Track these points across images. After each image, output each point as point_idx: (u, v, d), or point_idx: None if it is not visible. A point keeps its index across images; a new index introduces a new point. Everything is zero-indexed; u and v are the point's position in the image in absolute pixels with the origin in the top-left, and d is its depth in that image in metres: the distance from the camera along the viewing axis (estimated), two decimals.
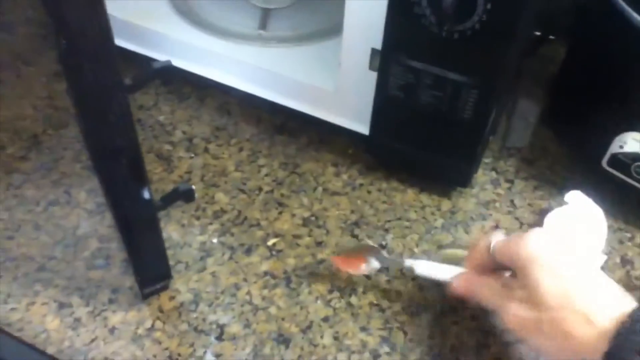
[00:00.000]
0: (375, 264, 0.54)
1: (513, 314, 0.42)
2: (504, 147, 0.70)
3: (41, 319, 0.52)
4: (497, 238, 0.46)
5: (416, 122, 0.59)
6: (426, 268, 0.52)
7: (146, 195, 0.42)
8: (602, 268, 0.57)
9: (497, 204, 0.63)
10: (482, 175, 0.66)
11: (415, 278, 0.56)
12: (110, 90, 0.36)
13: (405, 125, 0.60)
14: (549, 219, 0.60)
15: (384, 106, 0.60)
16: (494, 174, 0.67)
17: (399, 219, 0.61)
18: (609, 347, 0.36)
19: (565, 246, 0.43)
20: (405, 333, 0.52)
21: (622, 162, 0.59)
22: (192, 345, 0.51)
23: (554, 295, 0.40)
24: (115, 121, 0.37)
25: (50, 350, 0.50)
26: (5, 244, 0.57)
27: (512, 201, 0.64)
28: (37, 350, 0.49)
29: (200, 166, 0.65)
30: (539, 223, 0.61)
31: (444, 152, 0.60)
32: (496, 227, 0.61)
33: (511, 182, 0.66)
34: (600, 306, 0.39)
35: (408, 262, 0.53)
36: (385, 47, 0.56)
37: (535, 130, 0.73)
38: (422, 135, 0.60)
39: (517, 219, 0.62)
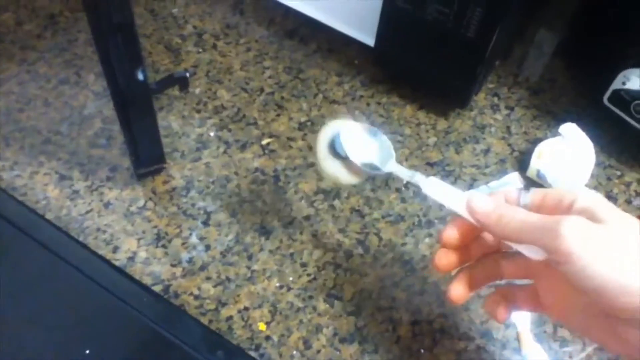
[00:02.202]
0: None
1: (576, 227, 0.32)
2: (513, 75, 0.69)
3: (43, 187, 0.55)
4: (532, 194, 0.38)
5: (421, 36, 0.59)
6: (437, 188, 0.42)
7: (140, 76, 0.44)
8: None
9: (493, 129, 0.64)
10: (483, 99, 0.66)
11: (399, 190, 0.58)
12: None
13: (410, 39, 0.60)
14: (539, 148, 0.60)
15: (391, 18, 0.60)
16: (495, 99, 0.67)
17: (393, 133, 0.63)
18: None
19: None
20: (380, 239, 0.55)
21: (623, 99, 0.59)
22: (179, 226, 0.54)
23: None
24: None
25: (49, 216, 0.54)
26: (15, 115, 0.60)
27: (508, 128, 0.64)
28: (38, 214, 0.53)
29: (206, 62, 0.67)
30: (530, 151, 0.61)
31: (446, 69, 0.60)
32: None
33: (511, 109, 0.66)
34: None
35: (417, 178, 0.44)
36: None
37: (549, 62, 0.72)
38: (425, 51, 0.60)
39: (509, 145, 0.63)
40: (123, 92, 0.45)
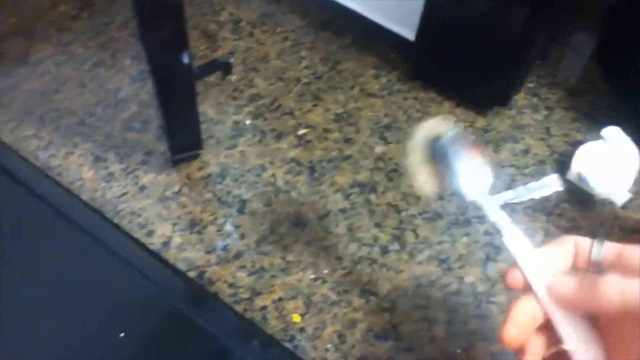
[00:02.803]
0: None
1: (619, 287, 0.29)
2: (552, 76, 0.68)
3: (78, 168, 0.55)
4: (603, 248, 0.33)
5: (464, 33, 0.58)
6: (521, 246, 0.35)
7: (185, 59, 0.43)
8: (625, 207, 0.57)
9: (532, 129, 0.63)
10: (522, 99, 0.65)
11: None
12: None
13: (452, 35, 0.59)
14: (580, 150, 0.59)
15: (435, 12, 0.59)
16: (535, 99, 0.66)
17: None
18: None
19: None
20: (417, 235, 0.54)
21: None
22: (214, 213, 0.53)
23: None
24: None
25: (84, 197, 0.53)
26: (51, 95, 0.60)
27: (547, 129, 0.63)
28: (74, 195, 0.53)
29: (243, 49, 0.66)
30: (570, 154, 0.60)
31: (488, 67, 0.59)
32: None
33: (551, 109, 0.65)
34: None
35: (503, 223, 0.38)
36: None
37: (587, 64, 0.71)
38: (467, 48, 0.59)
39: (549, 146, 0.62)
40: (166, 76, 0.44)
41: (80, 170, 0.55)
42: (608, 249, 0.33)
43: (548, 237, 0.38)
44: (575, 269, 0.34)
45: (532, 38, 0.54)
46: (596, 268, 0.33)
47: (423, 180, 0.41)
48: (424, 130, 0.41)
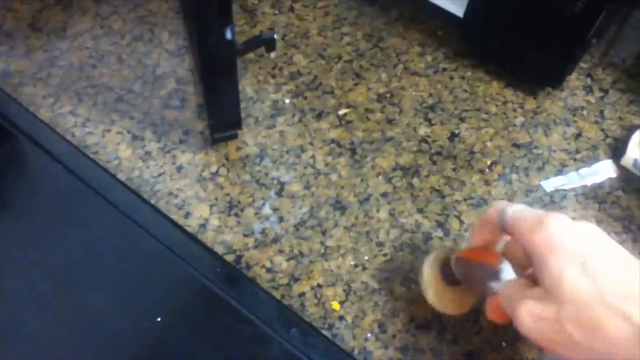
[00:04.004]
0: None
1: (527, 313, 0.35)
2: (607, 55, 0.64)
3: (115, 146, 0.54)
4: (514, 208, 0.39)
5: (518, 9, 0.55)
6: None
7: (229, 35, 0.41)
8: None
9: (585, 112, 0.60)
10: (575, 80, 0.62)
11: (482, 171, 0.55)
12: None
13: (505, 11, 0.56)
14: (637, 135, 0.56)
15: None
16: (588, 80, 0.62)
17: (478, 110, 0.59)
18: None
19: (597, 236, 0.35)
20: (461, 222, 0.52)
21: None
22: (252, 195, 0.52)
23: (580, 288, 0.33)
24: None
25: (121, 176, 0.52)
26: (88, 71, 0.59)
27: (601, 111, 0.60)
28: (110, 174, 0.52)
29: (283, 24, 0.64)
30: (625, 139, 0.57)
31: (541, 46, 0.56)
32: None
33: (605, 91, 0.61)
34: (635, 299, 0.32)
35: None
36: None
37: None
38: (521, 25, 0.56)
39: (602, 130, 0.59)
40: (209, 51, 0.42)
41: (118, 149, 0.54)
42: (513, 214, 0.38)
43: (600, 226, 0.35)
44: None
45: (593, 14, 0.50)
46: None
47: (447, 301, 0.44)
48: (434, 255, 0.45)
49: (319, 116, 0.57)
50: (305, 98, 0.59)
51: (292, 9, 0.65)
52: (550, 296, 0.34)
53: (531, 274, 0.38)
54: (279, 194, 0.52)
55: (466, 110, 0.59)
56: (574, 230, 0.35)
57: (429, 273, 0.44)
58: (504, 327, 0.47)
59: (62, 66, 0.59)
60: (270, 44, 0.46)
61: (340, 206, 0.52)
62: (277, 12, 0.65)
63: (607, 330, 0.32)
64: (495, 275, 0.39)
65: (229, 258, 0.49)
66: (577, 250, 0.34)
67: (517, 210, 0.38)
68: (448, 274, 0.43)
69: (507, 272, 0.39)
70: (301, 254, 0.49)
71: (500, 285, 0.39)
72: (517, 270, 0.39)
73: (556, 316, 0.33)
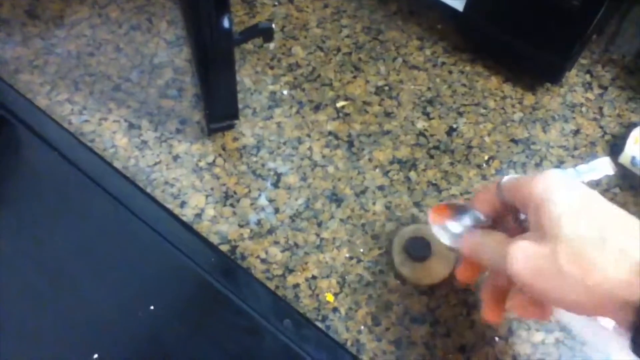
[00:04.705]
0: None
1: (521, 251, 0.35)
2: (607, 51, 0.64)
3: (111, 135, 0.54)
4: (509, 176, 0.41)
5: (518, 3, 0.54)
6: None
7: (226, 24, 0.41)
8: None
9: (584, 109, 0.60)
10: (574, 76, 0.62)
11: (480, 166, 0.55)
12: None
13: (505, 6, 0.56)
14: (635, 132, 0.56)
15: None
16: (588, 76, 0.62)
17: (476, 104, 0.59)
18: None
19: (585, 188, 0.36)
20: None
21: None
22: (248, 186, 0.52)
23: (578, 228, 0.33)
24: None
25: (117, 164, 0.52)
26: (85, 59, 0.59)
27: (600, 108, 0.60)
28: (106, 162, 0.52)
29: (282, 16, 0.63)
30: (624, 136, 0.57)
31: (541, 41, 0.56)
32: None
33: (605, 88, 0.61)
34: (634, 238, 0.32)
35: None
36: None
37: None
38: (520, 20, 0.56)
39: (601, 127, 0.58)
40: (206, 41, 0.42)
41: (114, 137, 0.54)
42: (505, 186, 0.40)
43: None
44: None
45: (594, 9, 0.50)
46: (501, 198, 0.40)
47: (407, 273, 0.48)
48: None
49: (317, 108, 0.57)
50: (303, 90, 0.58)
51: (291, 1, 0.65)
52: (547, 237, 0.34)
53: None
54: (275, 185, 0.52)
55: (464, 105, 0.59)
56: (571, 181, 0.37)
57: (399, 252, 0.48)
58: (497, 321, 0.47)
59: (59, 54, 0.59)
60: (267, 34, 0.46)
61: (336, 198, 0.52)
62: (276, 3, 0.64)
63: (604, 265, 0.32)
64: (468, 213, 0.43)
65: (224, 248, 0.49)
66: (575, 195, 0.35)
67: (512, 176, 0.41)
68: (415, 250, 0.48)
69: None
70: (296, 245, 0.49)
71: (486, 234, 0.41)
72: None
73: (552, 253, 0.33)
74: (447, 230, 0.43)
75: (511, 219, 0.42)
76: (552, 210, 0.34)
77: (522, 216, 0.41)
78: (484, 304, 0.42)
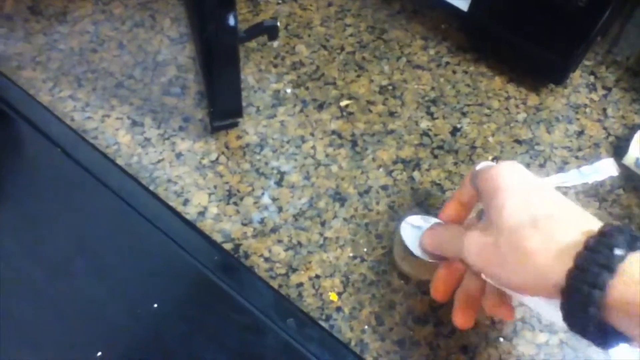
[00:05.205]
0: None
1: (472, 241, 0.38)
2: (611, 53, 0.64)
3: (114, 132, 0.54)
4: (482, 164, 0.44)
5: (524, 4, 0.54)
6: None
7: (232, 21, 0.41)
8: None
9: (588, 110, 0.59)
10: (578, 77, 0.62)
11: None
12: None
13: (510, 6, 0.56)
14: (638, 134, 0.56)
15: None
16: (592, 78, 0.62)
17: (480, 105, 0.59)
18: (575, 263, 0.32)
19: (536, 179, 0.40)
20: None
21: None
22: (251, 184, 0.52)
23: (516, 216, 0.36)
24: None
25: (119, 162, 0.52)
26: (88, 56, 0.58)
27: (604, 110, 0.60)
28: (109, 159, 0.51)
29: (286, 14, 0.63)
30: (628, 137, 0.57)
31: (546, 42, 0.56)
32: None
33: (609, 89, 0.61)
34: (566, 225, 0.35)
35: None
36: None
37: None
38: (525, 20, 0.56)
39: (605, 128, 0.58)
40: (211, 39, 0.42)
41: (117, 134, 0.53)
42: (477, 170, 0.43)
43: None
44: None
45: (599, 10, 0.50)
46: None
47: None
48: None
49: (321, 107, 0.57)
50: (307, 88, 0.58)
51: None
52: (492, 226, 0.37)
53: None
54: (279, 183, 0.52)
55: (468, 105, 0.58)
56: (516, 170, 0.39)
57: (399, 250, 0.48)
58: (501, 321, 0.47)
59: (62, 50, 0.58)
60: (272, 32, 0.46)
61: (339, 197, 0.52)
62: (280, 1, 0.64)
63: (535, 250, 0.34)
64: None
65: (227, 247, 0.48)
66: (517, 186, 0.38)
67: (485, 162, 0.44)
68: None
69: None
70: (300, 244, 0.49)
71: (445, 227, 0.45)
72: None
73: (495, 241, 0.36)
74: (408, 224, 0.47)
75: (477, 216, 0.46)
76: (498, 199, 0.37)
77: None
78: (455, 308, 0.43)
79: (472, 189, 0.43)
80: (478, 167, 0.44)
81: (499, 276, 0.37)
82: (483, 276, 0.40)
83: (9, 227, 0.47)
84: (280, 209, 0.51)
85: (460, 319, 0.43)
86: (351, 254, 0.49)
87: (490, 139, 0.56)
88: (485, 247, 0.37)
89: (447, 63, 0.61)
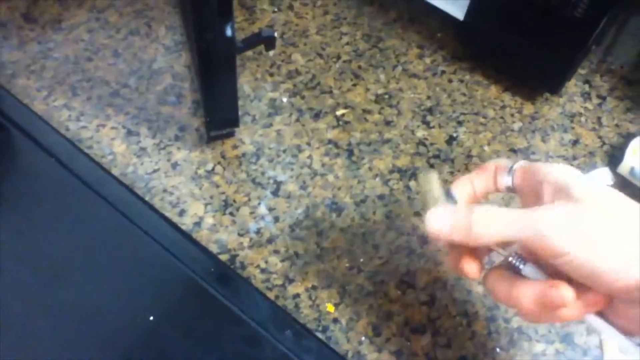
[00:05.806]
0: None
1: (561, 214, 0.32)
2: (605, 61, 0.64)
3: (109, 141, 0.53)
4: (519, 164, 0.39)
5: (519, 13, 0.55)
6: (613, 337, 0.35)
7: (229, 32, 0.41)
8: None
9: (583, 119, 0.60)
10: (573, 86, 0.62)
11: None
12: None
13: (506, 15, 0.56)
14: (634, 143, 0.56)
15: None
16: (586, 86, 0.62)
17: (476, 114, 0.59)
18: None
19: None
20: None
21: None
22: (248, 194, 0.52)
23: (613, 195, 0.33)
24: None
25: (115, 172, 0.52)
26: (83, 64, 0.58)
27: (599, 118, 0.60)
28: (104, 169, 0.51)
29: (282, 22, 0.63)
30: (622, 146, 0.57)
31: (541, 51, 0.56)
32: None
33: (603, 98, 0.61)
34: None
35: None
36: None
37: None
38: (521, 29, 0.56)
39: (600, 137, 0.59)
40: (209, 48, 0.42)
41: (112, 144, 0.53)
42: (518, 171, 0.38)
43: None
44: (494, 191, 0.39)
45: (595, 20, 0.50)
46: (509, 189, 0.38)
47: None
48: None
49: (317, 116, 0.57)
50: (303, 97, 0.58)
51: (291, 7, 0.64)
52: (582, 198, 0.32)
53: None
54: (275, 193, 0.52)
55: (464, 114, 0.59)
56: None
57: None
58: (498, 331, 0.47)
59: (57, 59, 0.58)
60: (270, 42, 0.45)
61: (336, 207, 0.52)
62: (276, 9, 0.64)
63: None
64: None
65: (224, 257, 0.48)
66: (592, 184, 0.33)
67: (524, 161, 0.38)
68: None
69: None
70: (296, 254, 0.49)
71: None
72: None
73: (586, 220, 0.32)
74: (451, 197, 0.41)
75: None
76: (575, 189, 0.33)
77: None
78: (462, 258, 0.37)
79: (493, 184, 0.39)
80: (518, 164, 0.38)
81: (585, 257, 0.31)
82: (525, 272, 0.35)
83: (4, 237, 0.46)
84: (276, 219, 0.50)
85: (469, 268, 0.37)
86: (348, 265, 0.49)
87: (486, 148, 0.56)
88: (576, 220, 0.32)
89: (443, 72, 0.61)
